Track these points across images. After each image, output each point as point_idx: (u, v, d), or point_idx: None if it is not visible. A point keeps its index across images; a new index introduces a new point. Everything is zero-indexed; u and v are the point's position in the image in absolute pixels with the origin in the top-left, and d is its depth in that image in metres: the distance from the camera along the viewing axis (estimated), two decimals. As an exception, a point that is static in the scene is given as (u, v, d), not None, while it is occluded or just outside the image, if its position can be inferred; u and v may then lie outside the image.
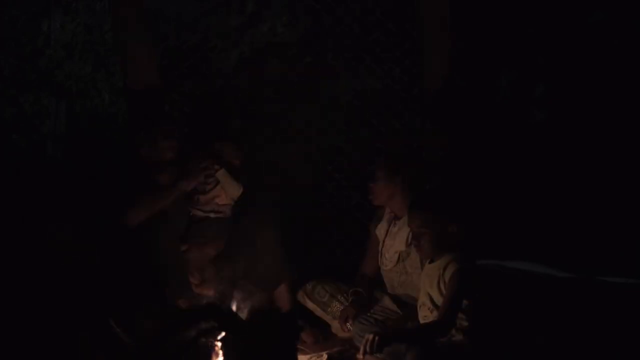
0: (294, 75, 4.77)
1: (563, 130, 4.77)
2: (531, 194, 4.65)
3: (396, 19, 4.70)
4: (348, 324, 3.73)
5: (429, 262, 3.35)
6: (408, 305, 3.71)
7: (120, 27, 4.30)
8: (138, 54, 4.28)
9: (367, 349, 3.07)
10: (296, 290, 4.08)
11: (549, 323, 3.59)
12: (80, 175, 4.41)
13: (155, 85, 4.34)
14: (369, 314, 3.72)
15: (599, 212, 4.52)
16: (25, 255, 3.92)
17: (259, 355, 3.02)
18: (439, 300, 3.23)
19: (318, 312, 4.01)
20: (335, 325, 3.92)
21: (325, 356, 3.77)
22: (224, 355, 3.05)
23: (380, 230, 3.96)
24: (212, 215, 4.08)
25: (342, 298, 3.93)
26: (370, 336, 3.08)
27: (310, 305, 4.03)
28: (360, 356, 3.19)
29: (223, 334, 3.06)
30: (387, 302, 3.81)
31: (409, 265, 3.79)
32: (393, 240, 3.85)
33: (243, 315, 3.27)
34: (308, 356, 3.78)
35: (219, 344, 3.06)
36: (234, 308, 3.29)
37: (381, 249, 3.92)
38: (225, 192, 4.08)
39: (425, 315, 3.30)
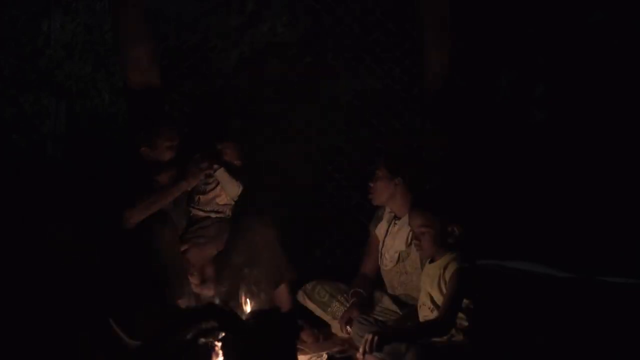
0: (294, 75, 4.78)
1: (563, 130, 4.77)
2: (531, 194, 4.65)
3: (396, 19, 4.70)
4: (348, 327, 3.73)
5: (430, 262, 3.35)
6: (408, 305, 3.71)
7: (120, 27, 4.29)
8: (138, 54, 4.27)
9: (367, 349, 3.07)
10: (296, 290, 4.08)
11: (549, 323, 3.59)
12: (80, 175, 4.41)
13: (155, 85, 4.34)
14: (369, 314, 3.72)
15: (599, 212, 4.52)
16: (25, 255, 3.92)
17: (259, 355, 3.03)
18: (439, 299, 3.23)
19: (318, 312, 4.00)
20: (335, 325, 3.92)
21: (325, 356, 3.77)
22: (224, 355, 3.05)
23: (380, 230, 3.96)
24: (212, 215, 4.08)
25: (342, 298, 3.93)
26: (370, 336, 3.08)
27: (310, 305, 4.02)
28: (360, 356, 3.19)
29: (223, 334, 3.06)
30: (387, 302, 3.81)
31: (409, 265, 3.79)
32: (393, 240, 3.85)
33: (244, 315, 3.28)
34: (308, 356, 3.78)
35: (219, 344, 3.06)
36: (242, 306, 3.29)
37: (381, 249, 3.92)
38: (225, 192, 4.08)
39: (426, 315, 3.30)
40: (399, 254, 3.82)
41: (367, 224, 4.14)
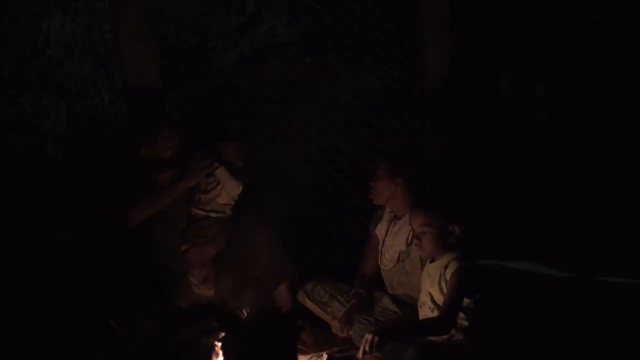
0: (294, 75, 4.77)
1: (563, 130, 4.77)
2: (531, 194, 4.65)
3: (396, 19, 4.70)
4: (348, 327, 3.73)
5: (430, 262, 3.36)
6: (408, 305, 3.71)
7: (120, 27, 4.29)
8: (138, 54, 4.27)
9: (367, 349, 3.07)
10: (296, 290, 4.08)
11: (549, 323, 3.59)
12: (80, 175, 4.41)
13: (155, 85, 4.34)
14: (369, 314, 3.72)
15: (599, 212, 4.52)
16: (25, 255, 3.92)
17: (259, 355, 3.03)
18: (439, 299, 3.23)
19: (318, 312, 4.00)
20: (335, 325, 3.92)
21: (325, 356, 3.77)
22: (224, 355, 3.05)
23: (380, 230, 3.96)
24: (213, 214, 4.08)
25: (342, 298, 3.93)
26: (370, 336, 3.08)
27: (310, 305, 4.02)
28: (360, 356, 3.19)
29: (223, 334, 3.06)
30: (387, 302, 3.81)
31: (408, 265, 3.79)
32: (393, 240, 3.86)
33: (244, 315, 3.28)
34: (308, 356, 3.78)
35: (219, 344, 3.06)
36: (242, 306, 3.29)
37: (381, 249, 3.92)
38: (225, 191, 4.08)
39: (426, 314, 3.30)
40: (399, 254, 3.82)
41: (367, 224, 4.14)
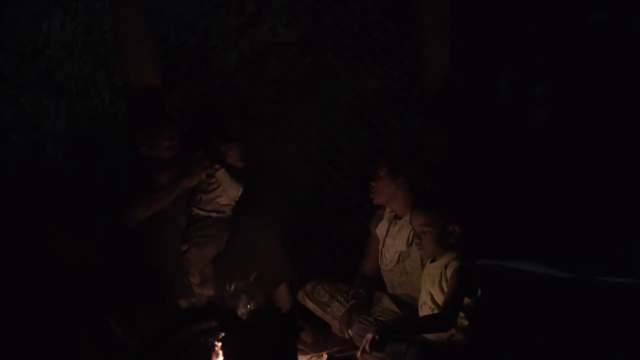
0: (294, 75, 4.78)
1: (563, 130, 4.77)
2: (531, 194, 4.65)
3: (396, 19, 4.70)
4: (349, 330, 3.73)
5: (431, 262, 3.36)
6: (408, 305, 3.70)
7: (120, 27, 4.29)
8: (138, 54, 4.27)
9: (368, 349, 3.07)
10: (296, 290, 4.08)
11: (549, 323, 3.59)
12: (80, 175, 4.41)
13: (155, 85, 4.33)
14: (369, 314, 3.71)
15: (598, 212, 4.52)
16: (25, 255, 3.92)
17: (259, 355, 3.02)
18: (440, 299, 3.23)
19: (318, 312, 4.00)
20: (335, 325, 3.92)
21: (325, 356, 3.77)
22: (224, 355, 3.05)
23: (380, 230, 3.96)
24: (213, 214, 4.08)
25: (342, 298, 3.93)
26: (371, 336, 3.08)
27: (310, 305, 4.02)
28: (360, 356, 3.19)
29: (223, 334, 3.06)
30: (387, 302, 3.81)
31: (409, 265, 3.79)
32: (393, 240, 3.85)
33: (244, 315, 3.27)
34: (308, 356, 3.78)
35: (219, 344, 3.06)
36: (242, 306, 3.28)
37: (381, 249, 3.92)
38: (225, 192, 4.08)
39: (426, 314, 3.30)
40: (400, 254, 3.82)
41: (367, 224, 4.14)
